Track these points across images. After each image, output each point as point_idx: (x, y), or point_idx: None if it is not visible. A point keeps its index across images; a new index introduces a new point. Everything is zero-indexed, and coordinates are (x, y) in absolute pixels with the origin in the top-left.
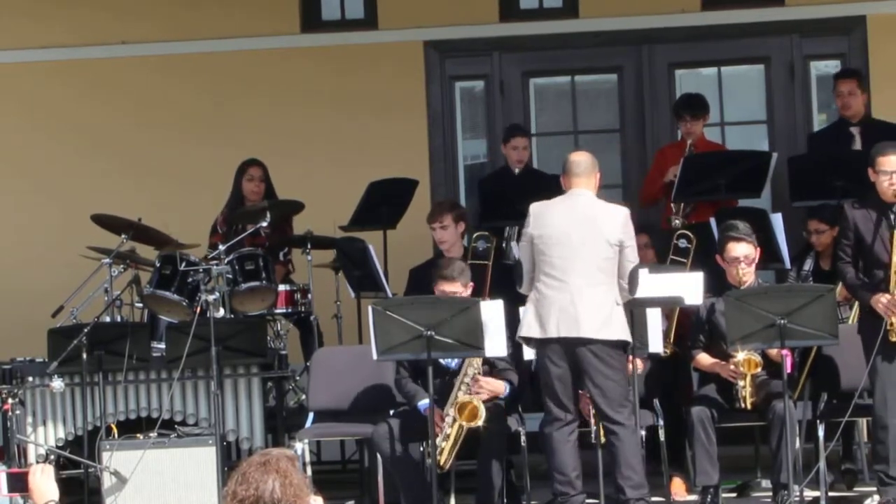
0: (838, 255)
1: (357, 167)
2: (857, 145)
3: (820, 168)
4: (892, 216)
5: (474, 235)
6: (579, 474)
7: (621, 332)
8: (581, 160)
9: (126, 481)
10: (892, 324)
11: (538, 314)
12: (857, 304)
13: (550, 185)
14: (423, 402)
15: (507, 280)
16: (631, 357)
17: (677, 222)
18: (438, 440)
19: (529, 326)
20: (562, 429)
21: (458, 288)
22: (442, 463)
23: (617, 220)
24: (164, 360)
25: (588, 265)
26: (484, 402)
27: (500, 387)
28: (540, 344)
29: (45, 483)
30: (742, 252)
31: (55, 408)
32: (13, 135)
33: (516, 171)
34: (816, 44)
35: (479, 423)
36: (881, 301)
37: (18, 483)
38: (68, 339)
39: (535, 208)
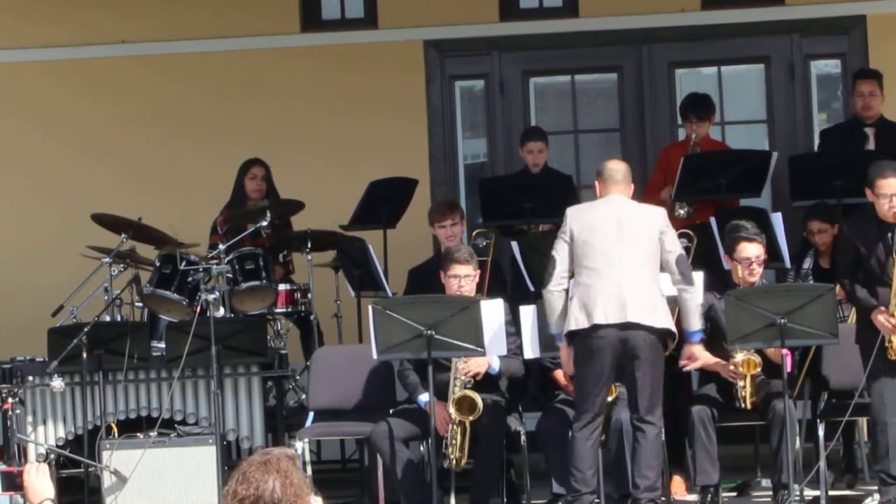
0: (841, 271)
1: (357, 167)
2: (871, 145)
3: (821, 167)
4: (890, 237)
5: (474, 233)
6: (595, 472)
7: (666, 321)
8: (620, 168)
9: (126, 480)
10: (890, 341)
11: (584, 304)
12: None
13: (567, 185)
14: (423, 398)
15: (504, 277)
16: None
17: (682, 212)
18: (448, 445)
19: (577, 320)
20: (587, 426)
21: (470, 270)
22: (456, 464)
23: (656, 213)
24: (164, 360)
25: (630, 255)
26: (483, 400)
27: (485, 360)
28: (586, 336)
29: (39, 481)
30: (754, 252)
31: (55, 407)
32: (13, 134)
33: (533, 172)
34: (816, 43)
35: (479, 408)
36: (886, 325)
37: (13, 482)
38: (68, 338)
39: (573, 209)
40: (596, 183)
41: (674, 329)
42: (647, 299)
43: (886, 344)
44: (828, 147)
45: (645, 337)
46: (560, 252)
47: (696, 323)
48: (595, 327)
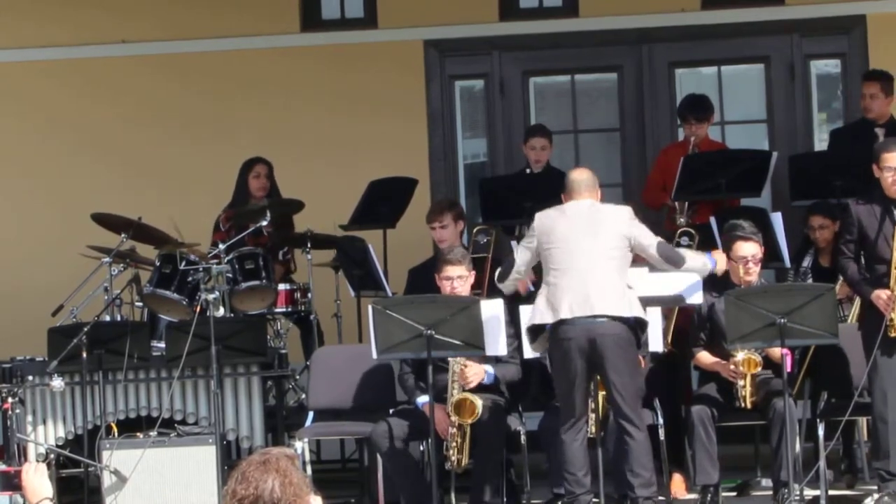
0: (840, 250)
1: (357, 166)
2: None
3: (821, 167)
4: (895, 212)
5: (475, 230)
6: (587, 472)
7: (636, 310)
8: (583, 178)
9: (126, 480)
10: (891, 319)
11: (549, 301)
12: (857, 301)
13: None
14: (421, 400)
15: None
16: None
17: (682, 220)
18: (449, 447)
19: (542, 313)
20: (572, 427)
21: (463, 271)
22: (457, 465)
23: (621, 214)
24: (164, 359)
25: (595, 254)
26: (483, 401)
27: (482, 369)
28: (554, 334)
29: (38, 481)
30: (750, 251)
31: (55, 407)
32: (13, 134)
33: (535, 170)
34: (816, 43)
35: (479, 410)
36: (881, 297)
37: (11, 481)
38: (68, 337)
39: (540, 215)
40: (563, 197)
41: (645, 318)
42: (614, 291)
43: (889, 323)
44: (837, 146)
45: (613, 338)
46: (521, 255)
47: (703, 259)
48: (561, 322)
